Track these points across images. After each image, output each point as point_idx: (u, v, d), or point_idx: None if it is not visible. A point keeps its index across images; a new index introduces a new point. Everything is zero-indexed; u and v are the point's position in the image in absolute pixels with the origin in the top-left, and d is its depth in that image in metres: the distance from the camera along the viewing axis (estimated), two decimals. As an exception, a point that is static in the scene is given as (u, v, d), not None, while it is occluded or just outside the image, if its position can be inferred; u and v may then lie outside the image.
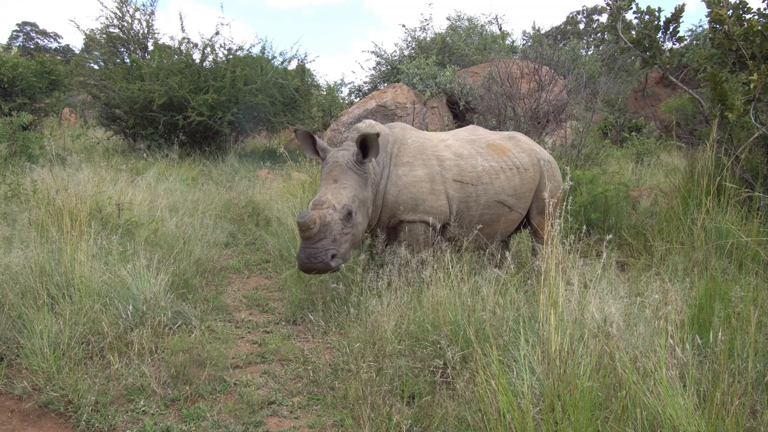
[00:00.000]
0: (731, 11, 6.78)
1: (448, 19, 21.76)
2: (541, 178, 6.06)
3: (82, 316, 4.44)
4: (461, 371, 3.77)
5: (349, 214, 5.12)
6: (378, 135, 5.20)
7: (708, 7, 6.87)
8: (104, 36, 16.75)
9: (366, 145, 5.24)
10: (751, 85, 6.27)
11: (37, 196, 6.63)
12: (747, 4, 6.79)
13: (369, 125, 5.78)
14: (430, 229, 5.60)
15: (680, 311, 3.78)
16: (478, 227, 5.55)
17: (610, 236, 3.82)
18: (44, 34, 43.95)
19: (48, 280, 4.85)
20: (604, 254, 3.77)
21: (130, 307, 4.59)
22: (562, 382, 3.00)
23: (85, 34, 17.11)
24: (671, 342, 3.07)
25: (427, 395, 3.80)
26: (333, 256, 4.93)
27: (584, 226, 4.80)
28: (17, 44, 41.25)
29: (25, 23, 43.71)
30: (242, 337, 5.02)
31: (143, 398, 3.86)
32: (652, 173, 11.58)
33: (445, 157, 5.75)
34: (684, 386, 2.90)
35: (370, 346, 4.27)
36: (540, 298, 3.43)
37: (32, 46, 40.46)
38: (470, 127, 6.63)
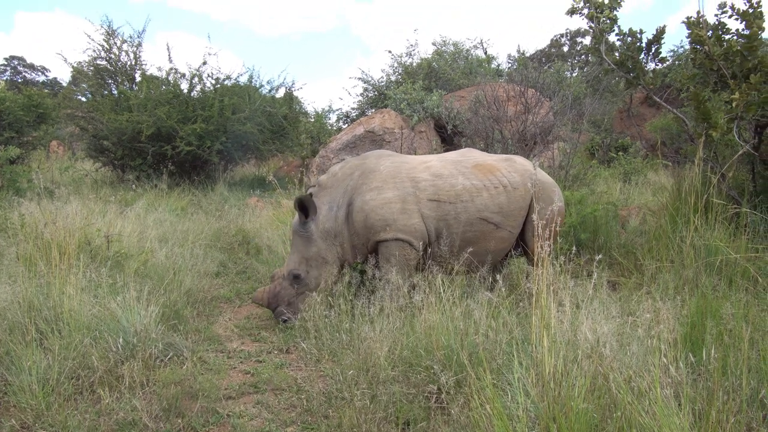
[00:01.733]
0: (711, 32, 6.91)
1: (434, 44, 21.94)
2: (534, 200, 6.09)
3: (72, 351, 4.39)
4: (456, 396, 3.75)
5: (296, 277, 5.90)
6: (311, 195, 6.00)
7: (688, 28, 7.00)
8: (92, 68, 16.80)
9: (304, 206, 5.91)
10: (734, 104, 6.36)
11: (25, 230, 6.59)
12: (726, 25, 6.93)
13: (330, 173, 6.29)
14: (408, 246, 5.76)
15: (672, 329, 3.78)
16: (469, 250, 5.58)
17: (601, 256, 3.84)
18: (32, 67, 43.98)
19: (36, 314, 4.80)
20: (595, 274, 3.77)
21: (121, 340, 4.54)
22: (557, 404, 2.98)
23: (73, 66, 17.16)
24: (665, 361, 3.07)
25: (422, 421, 3.77)
26: (284, 321, 5.88)
27: (574, 247, 4.82)
28: (5, 78, 41.27)
29: (12, 57, 43.74)
30: (234, 368, 4.97)
31: (135, 433, 3.80)
32: (640, 192, 11.67)
33: (422, 178, 5.94)
34: (679, 405, 2.89)
35: (364, 373, 4.24)
36: (532, 320, 3.43)
37: (20, 80, 40.46)
38: (464, 150, 6.72)
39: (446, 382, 3.79)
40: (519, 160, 6.47)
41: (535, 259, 3.63)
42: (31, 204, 8.03)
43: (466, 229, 5.87)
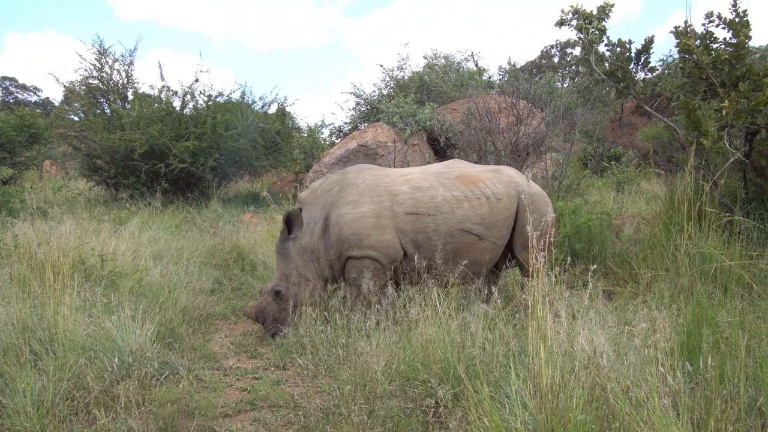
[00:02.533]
0: (699, 41, 6.97)
1: (425, 57, 22.02)
2: (521, 211, 6.09)
3: (67, 371, 4.36)
4: (453, 409, 3.74)
5: (277, 293, 6.00)
6: (300, 209, 6.09)
7: (677, 37, 7.06)
8: (84, 87, 16.84)
9: (290, 221, 6.04)
10: (723, 112, 6.41)
11: (19, 251, 6.56)
12: (713, 34, 6.99)
13: (310, 189, 6.43)
14: (378, 264, 5.81)
15: (669, 338, 3.78)
16: (464, 262, 5.58)
17: (596, 266, 3.85)
18: (24, 88, 43.98)
19: (31, 335, 4.77)
20: (591, 284, 3.78)
21: (116, 359, 4.51)
22: (555, 416, 2.98)
23: (65, 86, 17.20)
24: (662, 370, 3.07)
25: (421, 436, 3.75)
26: (273, 335, 6.01)
27: (569, 257, 4.82)
28: (-4, 99, 41.30)
29: (4, 78, 43.74)
30: (231, 385, 4.95)
31: (131, 453, 3.77)
32: (633, 201, 11.71)
33: (400, 191, 5.94)
34: (677, 414, 2.89)
35: (361, 388, 4.22)
36: (528, 332, 3.43)
37: (12, 101, 40.45)
38: (451, 161, 6.72)
39: (443, 395, 3.78)
40: (506, 171, 6.42)
41: (530, 270, 3.64)
42: (24, 224, 8.00)
43: (447, 241, 5.84)
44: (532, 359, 3.33)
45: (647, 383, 3.10)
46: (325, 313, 5.58)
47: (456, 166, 6.44)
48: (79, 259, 6.47)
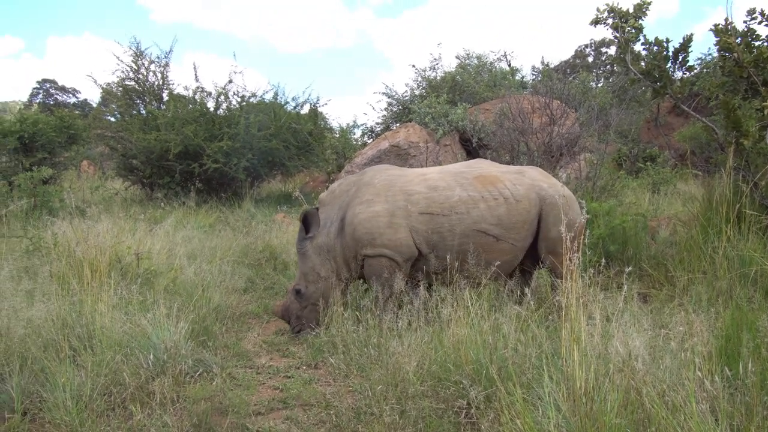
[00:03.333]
0: (740, 39, 6.82)
1: (458, 57, 21.88)
2: (545, 216, 5.99)
3: (104, 367, 4.44)
4: (485, 411, 3.71)
5: (297, 292, 6.09)
6: (317, 209, 6.22)
7: (716, 35, 6.92)
8: (120, 89, 17.13)
9: (307, 220, 6.13)
10: (765, 112, 6.27)
11: (58, 249, 6.70)
12: (755, 31, 6.83)
13: (329, 190, 6.50)
14: (392, 262, 5.83)
15: (707, 342, 3.70)
16: (497, 263, 5.53)
17: (630, 268, 3.79)
18: (63, 90, 44.98)
19: (70, 332, 4.87)
20: (625, 286, 3.72)
21: (151, 356, 4.58)
22: (589, 419, 2.94)
23: (102, 88, 17.51)
24: (699, 374, 3.00)
25: (452, 437, 3.73)
26: (298, 332, 6.12)
27: (603, 259, 4.76)
28: (37, 101, 42.28)
29: (44, 80, 44.80)
30: (263, 383, 4.99)
31: (166, 449, 3.82)
32: (669, 202, 11.50)
33: (416, 191, 5.94)
34: (716, 420, 2.83)
35: (393, 388, 4.22)
36: (562, 334, 3.39)
37: (52, 102, 41.40)
38: (475, 160, 6.66)
39: (476, 396, 3.76)
40: (530, 172, 6.29)
41: (563, 271, 3.60)
42: (63, 223, 8.17)
43: (462, 241, 5.80)
44: (566, 361, 3.29)
45: (684, 387, 3.04)
46: (357, 313, 5.59)
47: (478, 165, 6.37)
48: (115, 257, 6.58)
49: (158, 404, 4.24)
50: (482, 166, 6.36)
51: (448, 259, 5.56)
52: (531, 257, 6.22)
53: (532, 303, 4.41)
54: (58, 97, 44.30)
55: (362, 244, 5.89)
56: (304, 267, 6.15)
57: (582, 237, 4.61)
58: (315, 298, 6.09)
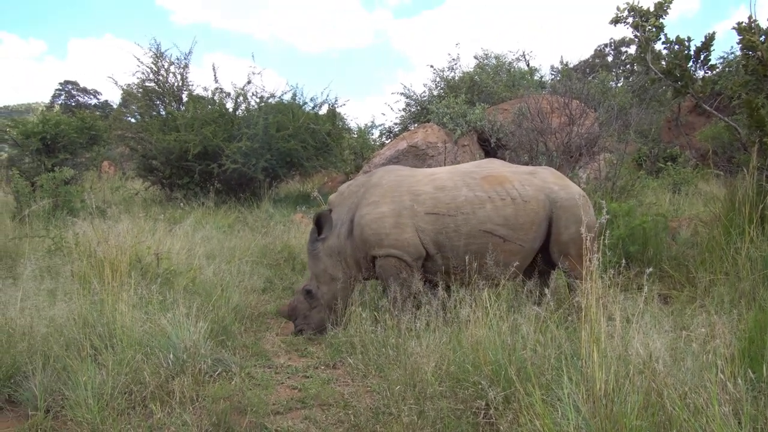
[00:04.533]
0: (763, 37, 6.73)
1: (476, 57, 21.76)
2: (556, 218, 5.92)
3: (124, 366, 4.48)
4: (504, 412, 3.69)
5: (308, 292, 6.22)
6: (330, 211, 6.31)
7: (739, 34, 6.83)
8: (141, 90, 17.28)
9: (320, 222, 6.22)
10: (789, 110, 6.17)
11: (79, 249, 6.78)
12: (779, 29, 6.73)
13: (339, 191, 6.57)
14: (401, 261, 5.86)
15: (729, 344, 3.65)
16: (515, 264, 5.49)
17: (651, 269, 3.75)
18: (84, 91, 45.53)
19: (91, 331, 4.92)
20: (646, 287, 3.68)
21: (171, 355, 4.62)
22: (609, 421, 2.92)
23: (123, 89, 17.67)
24: (722, 377, 2.96)
25: (471, 438, 3.72)
26: (300, 331, 6.24)
27: (623, 260, 4.72)
28: (59, 102, 42.86)
29: (66, 82, 45.41)
30: (282, 383, 5.01)
31: (185, 447, 3.85)
32: (690, 203, 11.37)
33: (422, 191, 5.95)
34: (739, 423, 2.79)
35: (411, 389, 4.22)
36: (581, 335, 3.36)
37: (73, 104, 41.93)
38: (486, 160, 6.63)
39: (494, 397, 3.74)
40: (542, 173, 6.19)
41: (583, 272, 3.57)
42: (84, 223, 8.25)
43: (469, 242, 5.78)
44: (585, 362, 3.26)
45: (706, 390, 3.00)
46: (375, 314, 5.59)
47: (488, 165, 6.31)
48: (135, 257, 6.64)
49: (178, 403, 4.27)
50: (493, 166, 6.31)
51: (466, 260, 5.53)
52: (545, 259, 6.18)
53: (551, 304, 4.39)
54: (79, 98, 44.85)
55: (370, 245, 5.94)
56: (315, 268, 6.26)
57: (600, 238, 4.58)
58: (326, 299, 6.19)
